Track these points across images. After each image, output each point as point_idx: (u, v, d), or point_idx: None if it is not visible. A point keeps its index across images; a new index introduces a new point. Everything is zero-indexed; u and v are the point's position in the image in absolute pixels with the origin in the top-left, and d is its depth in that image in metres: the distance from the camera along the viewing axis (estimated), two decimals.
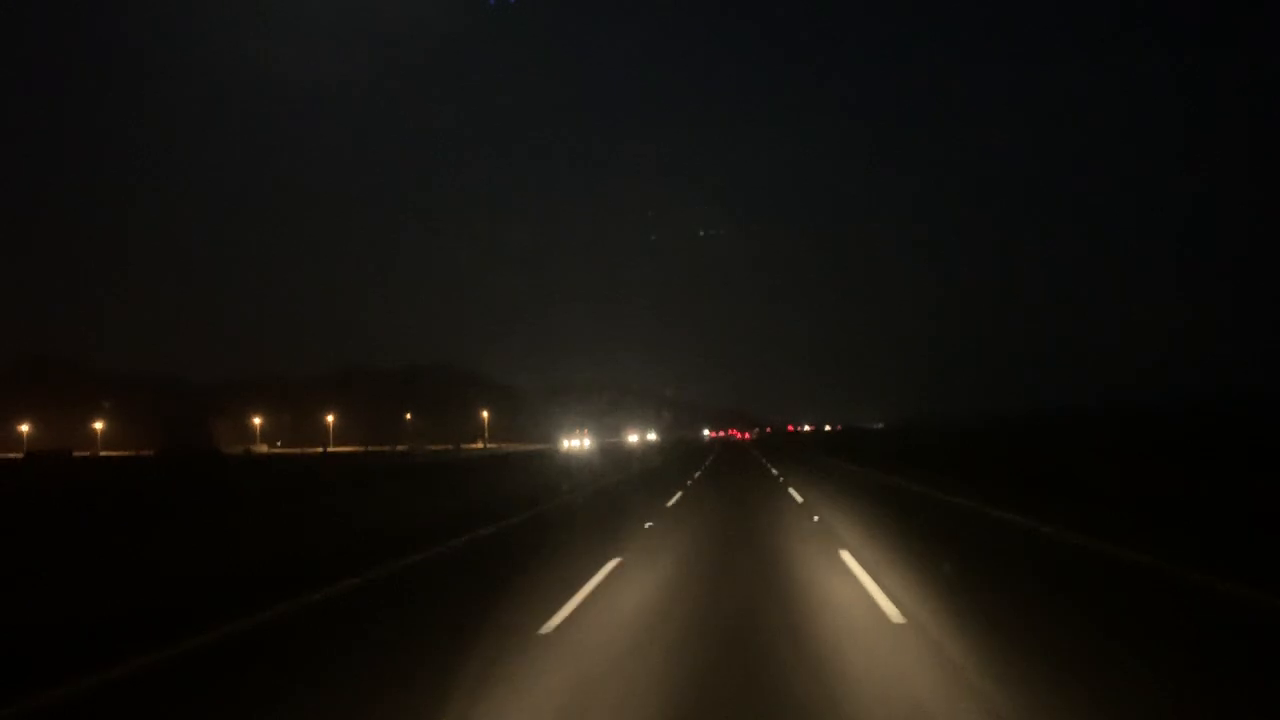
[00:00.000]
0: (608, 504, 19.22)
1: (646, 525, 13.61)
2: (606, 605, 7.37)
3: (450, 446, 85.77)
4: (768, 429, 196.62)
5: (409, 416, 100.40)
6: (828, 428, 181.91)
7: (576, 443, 75.47)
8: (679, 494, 20.70)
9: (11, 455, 75.63)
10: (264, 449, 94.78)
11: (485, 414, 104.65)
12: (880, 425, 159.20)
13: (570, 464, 39.88)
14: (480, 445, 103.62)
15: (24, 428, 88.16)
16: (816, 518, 14.38)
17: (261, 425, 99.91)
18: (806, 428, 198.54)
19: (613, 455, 52.59)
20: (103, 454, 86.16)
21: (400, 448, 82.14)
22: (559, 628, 6.51)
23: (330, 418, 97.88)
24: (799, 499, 18.65)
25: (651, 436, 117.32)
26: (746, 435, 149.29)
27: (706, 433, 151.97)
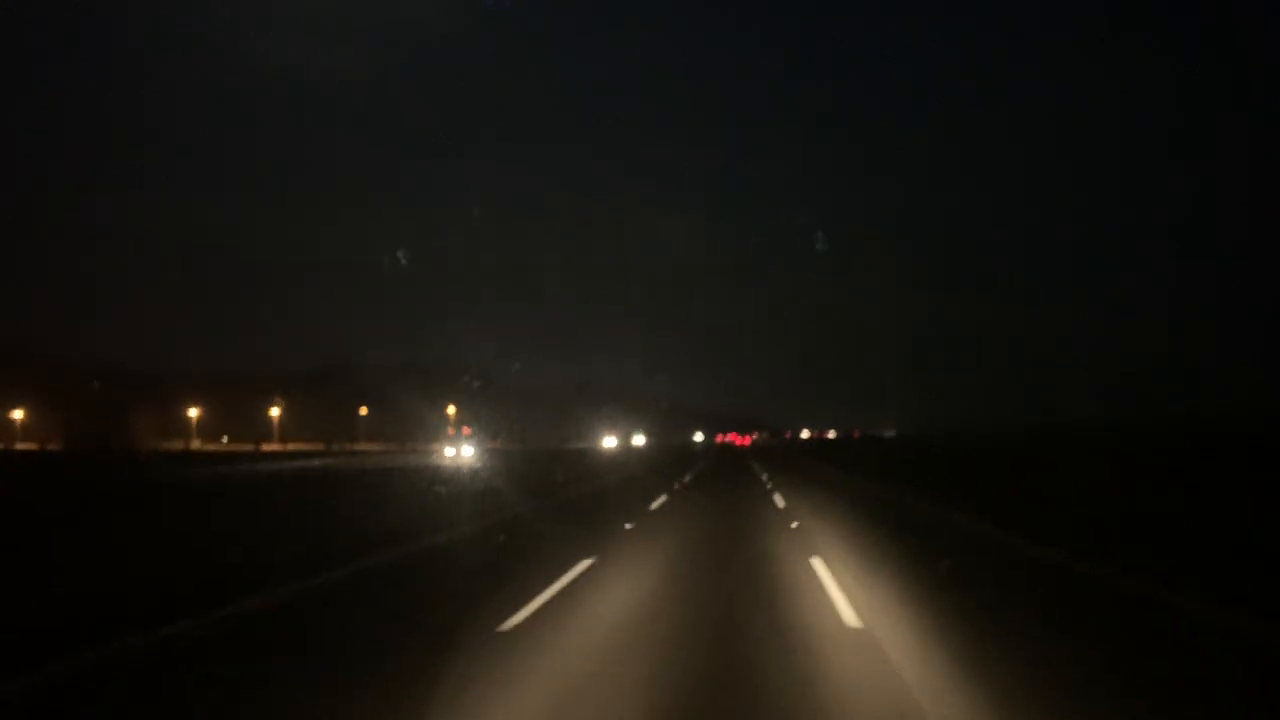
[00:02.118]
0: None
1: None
2: None
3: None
4: (784, 433, 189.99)
5: (364, 411, 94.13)
6: (832, 434, 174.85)
7: (458, 450, 54.92)
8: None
9: None
10: (197, 444, 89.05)
11: (451, 410, 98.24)
12: (893, 433, 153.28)
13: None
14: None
15: None
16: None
17: (203, 418, 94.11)
18: (830, 434, 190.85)
19: (520, 472, 36.93)
20: (18, 447, 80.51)
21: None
22: None
23: (275, 412, 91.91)
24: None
25: (639, 440, 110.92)
26: (747, 440, 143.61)
27: (699, 437, 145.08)
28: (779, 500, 22.96)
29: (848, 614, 8.37)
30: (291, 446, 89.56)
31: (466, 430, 61.20)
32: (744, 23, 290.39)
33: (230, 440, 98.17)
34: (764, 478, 35.16)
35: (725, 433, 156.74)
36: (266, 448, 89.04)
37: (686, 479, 34.81)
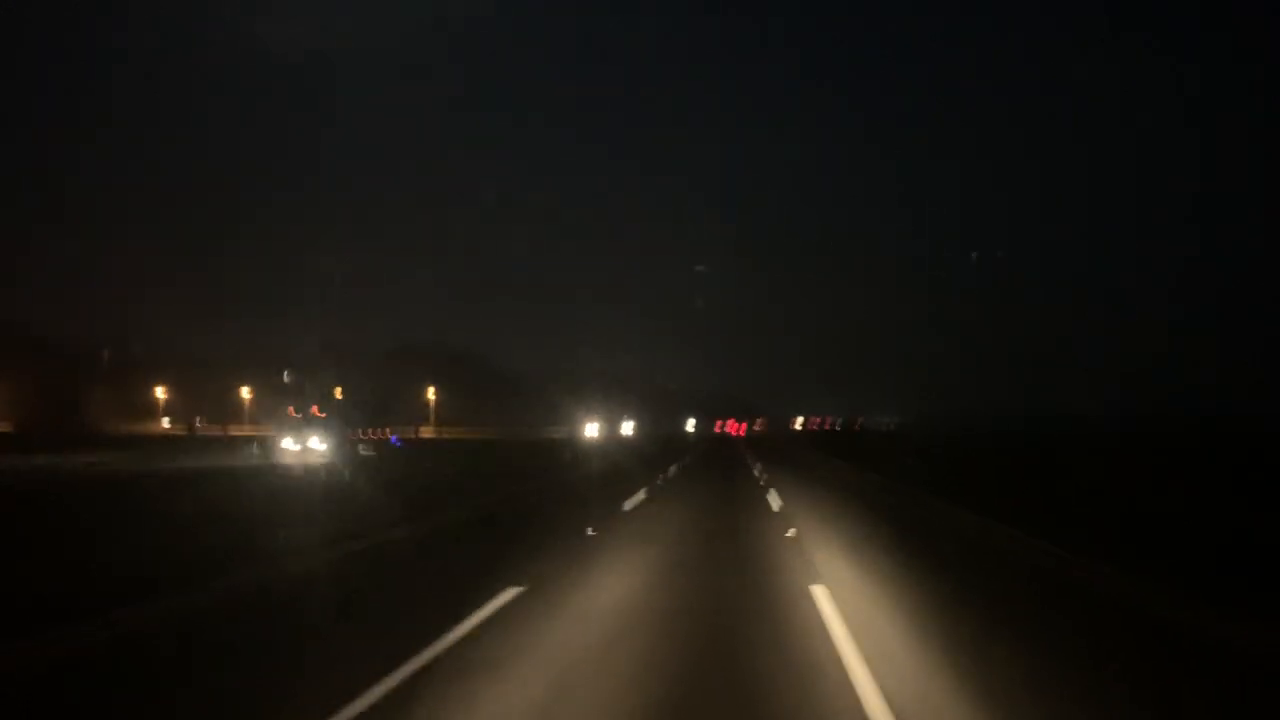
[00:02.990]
0: None
1: None
2: None
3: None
4: (794, 422, 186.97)
5: (339, 394, 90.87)
6: (827, 425, 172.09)
7: (302, 441, 40.51)
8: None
9: None
10: (165, 426, 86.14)
11: (432, 394, 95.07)
12: (896, 421, 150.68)
13: None
14: (428, 432, 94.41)
15: None
16: None
17: (176, 400, 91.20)
18: (826, 423, 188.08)
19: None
20: None
21: None
22: None
23: (246, 393, 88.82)
24: None
25: (628, 428, 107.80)
26: (742, 429, 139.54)
27: (691, 425, 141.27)
28: (816, 586, 9.94)
29: None
30: (246, 431, 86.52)
31: (316, 411, 38.93)
32: (742, 22, 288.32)
33: (205, 423, 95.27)
34: (770, 497, 21.75)
35: (725, 420, 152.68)
36: (236, 431, 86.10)
37: (632, 503, 20.62)
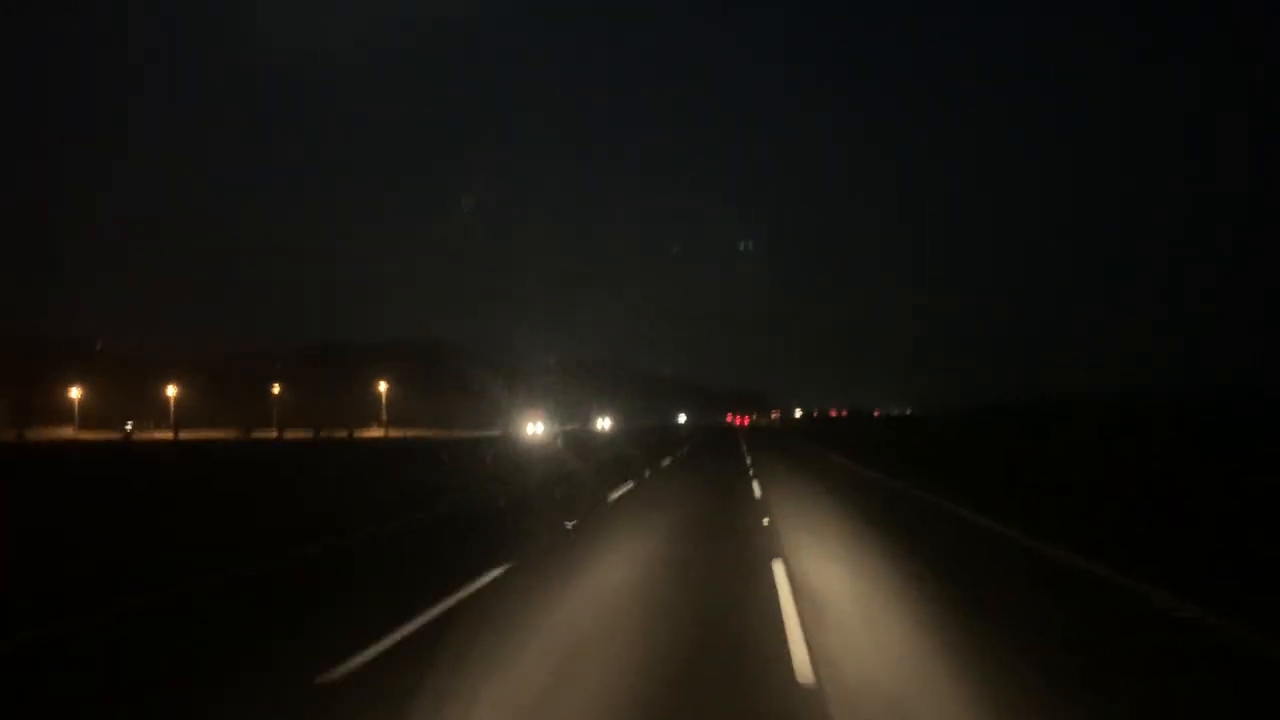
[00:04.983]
0: None
1: None
2: None
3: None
4: (798, 412, 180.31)
5: (276, 390, 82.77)
6: (840, 414, 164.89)
7: None
8: None
9: None
10: (69, 432, 78.49)
11: (384, 388, 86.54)
12: (908, 410, 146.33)
13: None
14: (381, 432, 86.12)
15: None
16: None
17: (91, 400, 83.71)
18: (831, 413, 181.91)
19: None
20: None
21: None
22: None
23: (173, 393, 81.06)
24: None
25: (605, 424, 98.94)
26: (745, 421, 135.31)
27: (682, 419, 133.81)
28: None
29: None
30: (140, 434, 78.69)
31: None
32: (742, 22, 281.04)
33: (135, 426, 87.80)
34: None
35: (733, 413, 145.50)
36: (153, 435, 78.38)
37: None
